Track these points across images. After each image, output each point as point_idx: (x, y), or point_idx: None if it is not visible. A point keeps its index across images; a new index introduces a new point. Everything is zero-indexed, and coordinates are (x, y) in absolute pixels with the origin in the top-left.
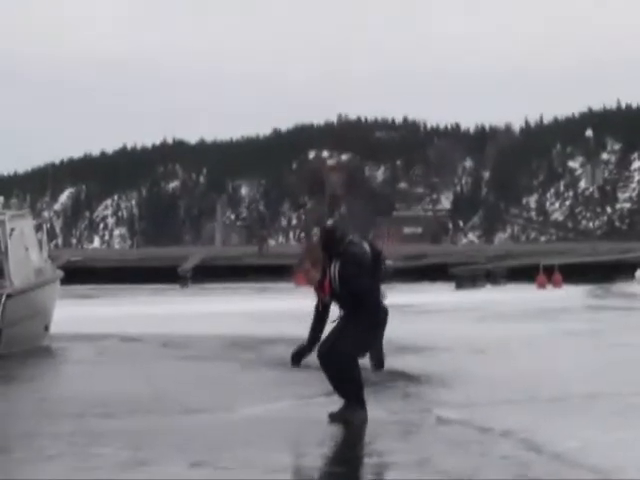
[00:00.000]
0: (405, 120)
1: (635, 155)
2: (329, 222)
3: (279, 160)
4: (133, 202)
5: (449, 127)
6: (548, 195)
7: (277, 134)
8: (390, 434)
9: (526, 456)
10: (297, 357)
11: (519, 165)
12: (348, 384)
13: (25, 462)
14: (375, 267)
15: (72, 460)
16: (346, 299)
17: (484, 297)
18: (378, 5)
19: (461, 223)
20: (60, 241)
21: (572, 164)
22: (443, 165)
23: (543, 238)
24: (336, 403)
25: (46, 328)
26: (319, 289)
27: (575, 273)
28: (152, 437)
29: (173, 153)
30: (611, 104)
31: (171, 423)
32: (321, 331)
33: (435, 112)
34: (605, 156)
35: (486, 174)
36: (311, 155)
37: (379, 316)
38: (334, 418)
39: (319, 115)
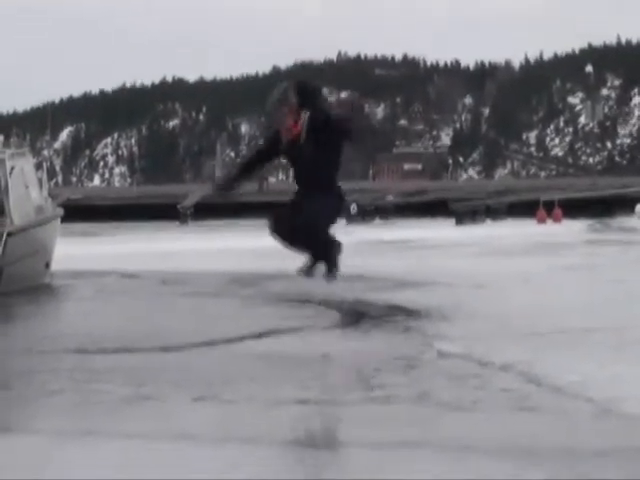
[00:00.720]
0: (405, 57)
1: (635, 91)
2: (303, 80)
3: None
4: (133, 140)
5: (449, 64)
6: (548, 131)
7: (277, 72)
8: (390, 368)
9: (526, 388)
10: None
11: (519, 101)
12: (327, 246)
13: (26, 398)
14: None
15: (74, 396)
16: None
17: (484, 232)
18: None
19: (461, 159)
20: (60, 179)
21: (572, 100)
22: (443, 102)
23: (543, 173)
24: (338, 337)
25: (47, 266)
26: (287, 131)
27: (575, 208)
28: (153, 373)
29: (173, 91)
30: (611, 40)
31: (171, 359)
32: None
33: (435, 49)
34: (605, 92)
35: (486, 111)
36: None
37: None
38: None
39: (319, 53)
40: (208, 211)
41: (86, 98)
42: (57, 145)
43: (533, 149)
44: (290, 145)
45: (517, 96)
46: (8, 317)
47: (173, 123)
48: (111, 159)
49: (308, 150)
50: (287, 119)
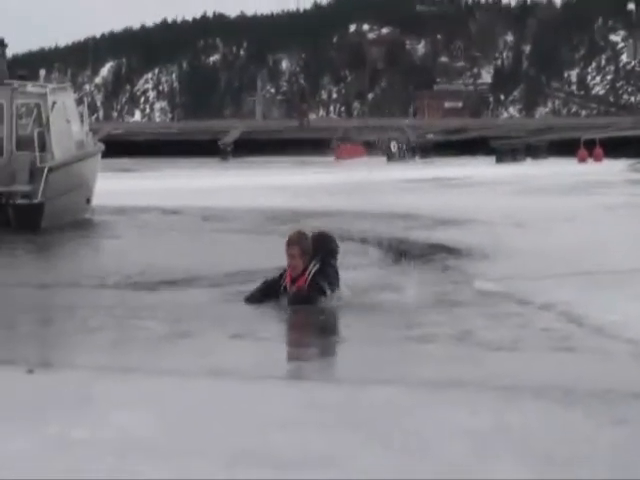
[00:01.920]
0: None
1: None
2: (329, 233)
3: (320, 34)
4: (174, 76)
5: (490, 1)
6: (589, 69)
7: (318, 8)
8: (431, 307)
9: (566, 328)
10: (252, 298)
11: (560, 39)
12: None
13: (67, 334)
14: None
15: (113, 332)
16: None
17: (524, 171)
18: None
19: (502, 97)
20: (101, 114)
21: (614, 38)
22: (484, 39)
23: (584, 112)
24: (378, 275)
25: (88, 201)
26: (292, 279)
27: (616, 147)
28: (191, 310)
29: (213, 27)
30: None
31: (211, 296)
32: (265, 290)
33: None
34: None
35: (527, 48)
36: (352, 29)
37: None
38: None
39: None
40: (248, 147)
41: (127, 33)
42: (98, 80)
43: (574, 87)
44: (290, 291)
45: (558, 34)
46: (49, 253)
47: (214, 59)
48: (152, 94)
49: (304, 295)
50: (300, 263)
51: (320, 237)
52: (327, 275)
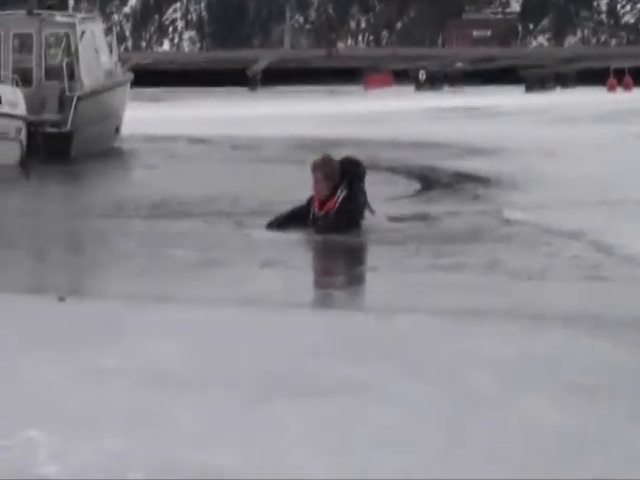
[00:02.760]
0: None
1: None
2: (355, 158)
3: None
4: (202, 5)
5: None
6: None
7: None
8: (459, 236)
9: (596, 257)
10: (275, 223)
11: None
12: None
13: (98, 262)
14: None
15: (143, 260)
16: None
17: (554, 100)
18: None
19: (531, 26)
20: (130, 44)
21: None
22: None
23: (614, 41)
24: (407, 204)
25: (117, 130)
26: (321, 204)
27: None
28: (223, 239)
29: None
30: None
31: (241, 225)
32: (296, 218)
33: None
34: None
35: None
36: None
37: None
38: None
39: None
40: (277, 76)
41: None
42: (127, 9)
43: (604, 16)
44: (318, 216)
45: None
46: (78, 182)
47: None
48: (180, 24)
49: (331, 224)
50: (324, 187)
51: (347, 162)
52: (356, 199)
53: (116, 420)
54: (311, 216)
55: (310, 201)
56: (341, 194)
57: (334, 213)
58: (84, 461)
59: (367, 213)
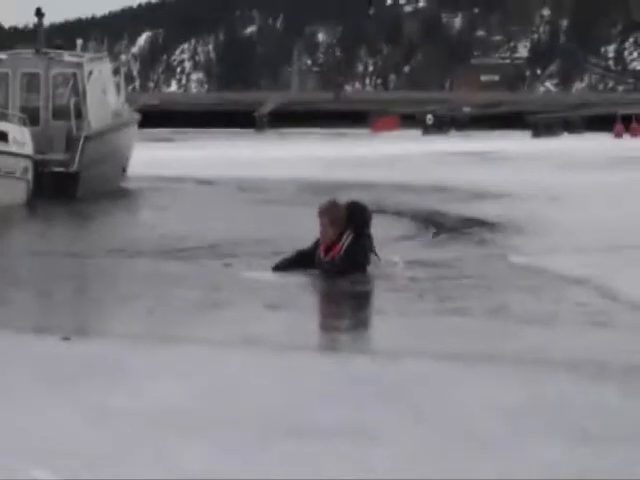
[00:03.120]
0: None
1: None
2: (362, 203)
3: (356, 6)
4: (210, 47)
5: None
6: (627, 44)
7: None
8: (464, 280)
9: (602, 303)
10: (281, 266)
11: (597, 14)
12: None
13: (102, 302)
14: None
15: (148, 301)
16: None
17: (561, 145)
18: None
19: (538, 71)
20: (137, 85)
21: None
22: (521, 13)
23: (621, 88)
24: (411, 248)
25: (124, 170)
26: (327, 249)
27: None
28: (226, 279)
29: None
30: None
31: (246, 266)
32: (303, 261)
33: None
34: None
35: (564, 22)
36: (389, 1)
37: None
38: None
39: None
40: (284, 118)
41: (164, 3)
42: (135, 50)
43: (611, 62)
44: (324, 261)
45: (595, 8)
46: (85, 222)
47: (250, 30)
48: (188, 65)
49: (339, 266)
50: (330, 232)
51: (353, 207)
52: (362, 245)
53: (122, 460)
54: (317, 259)
55: (317, 244)
56: (347, 239)
57: (340, 258)
58: None
59: (373, 258)
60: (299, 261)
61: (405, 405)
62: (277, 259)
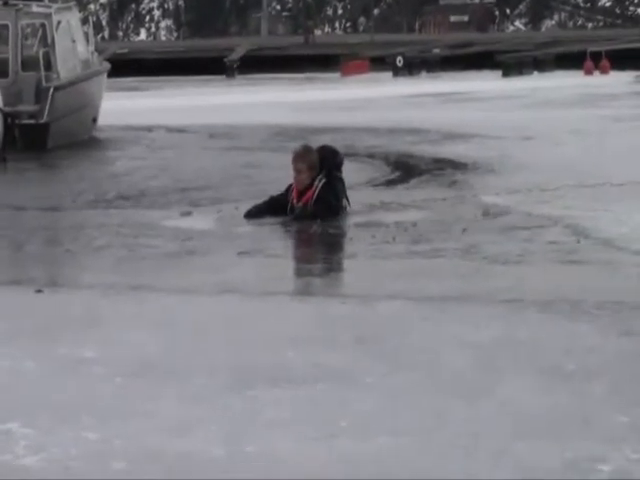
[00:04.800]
0: None
1: None
2: (333, 146)
3: None
4: None
5: None
6: None
7: None
8: (437, 222)
9: (574, 241)
10: (253, 212)
11: None
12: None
13: (74, 253)
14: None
15: (120, 251)
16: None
17: (531, 84)
18: None
19: (508, 11)
20: (107, 34)
21: None
22: None
23: (590, 25)
24: (384, 191)
25: (94, 120)
26: (299, 194)
27: (623, 59)
28: (199, 227)
29: None
30: None
31: (219, 214)
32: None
33: None
34: None
35: None
36: None
37: None
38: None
39: None
40: (254, 64)
41: None
42: None
43: (580, 0)
44: (297, 206)
45: None
46: (56, 172)
47: None
48: (157, 13)
49: (309, 213)
50: (305, 177)
51: (325, 151)
52: (334, 189)
53: (96, 410)
54: (290, 205)
55: (288, 190)
56: (319, 183)
57: (313, 202)
58: (64, 452)
59: (345, 202)
60: (271, 207)
61: (379, 348)
62: (248, 206)
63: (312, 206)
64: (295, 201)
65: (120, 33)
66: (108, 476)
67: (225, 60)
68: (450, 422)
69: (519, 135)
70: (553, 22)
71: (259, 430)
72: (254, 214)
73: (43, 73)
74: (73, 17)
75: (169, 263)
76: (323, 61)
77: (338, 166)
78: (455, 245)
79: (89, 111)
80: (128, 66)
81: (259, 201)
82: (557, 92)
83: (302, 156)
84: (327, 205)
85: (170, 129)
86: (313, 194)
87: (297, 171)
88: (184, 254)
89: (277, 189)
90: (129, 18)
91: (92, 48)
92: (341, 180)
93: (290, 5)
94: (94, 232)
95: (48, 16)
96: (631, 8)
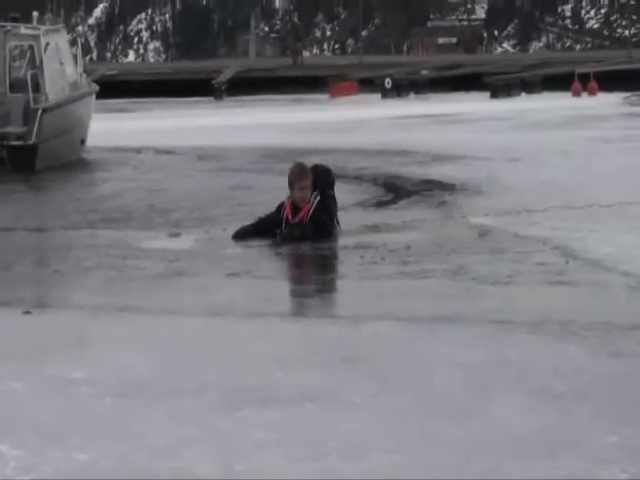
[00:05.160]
0: None
1: None
2: (325, 165)
3: None
4: (167, 16)
5: None
6: (583, 3)
7: None
8: (425, 243)
9: (562, 262)
10: (241, 234)
11: None
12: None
13: (63, 274)
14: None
15: (109, 272)
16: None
17: (519, 106)
18: None
19: (496, 32)
20: (95, 55)
21: None
22: None
23: (578, 46)
24: (373, 212)
25: (82, 142)
26: (293, 211)
27: (610, 81)
28: (187, 249)
29: None
30: None
31: (207, 235)
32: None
33: None
34: None
35: None
36: None
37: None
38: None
39: None
40: (243, 86)
41: None
42: (91, 21)
43: (568, 22)
44: (293, 223)
45: None
46: (43, 194)
47: None
48: (145, 34)
49: (306, 231)
50: (307, 194)
51: (317, 169)
52: (327, 208)
53: (86, 431)
54: (284, 223)
55: (280, 208)
56: (314, 201)
57: (308, 219)
58: (54, 473)
59: (337, 223)
60: (259, 229)
61: (369, 368)
62: (236, 227)
63: (308, 224)
64: (290, 217)
65: (108, 54)
66: None
67: (213, 82)
68: (440, 442)
69: (507, 156)
70: (541, 44)
71: (248, 450)
72: (242, 236)
73: (31, 95)
74: (61, 39)
75: (157, 284)
76: (311, 83)
77: (331, 185)
78: (444, 266)
79: (77, 132)
80: (117, 87)
81: (247, 223)
82: (545, 113)
83: (305, 172)
84: (321, 224)
85: (158, 150)
86: (308, 212)
87: (300, 189)
88: (172, 275)
89: (265, 210)
90: (117, 40)
91: (80, 70)
92: (334, 199)
93: (278, 27)
94: (82, 253)
95: (36, 38)
96: (619, 30)
